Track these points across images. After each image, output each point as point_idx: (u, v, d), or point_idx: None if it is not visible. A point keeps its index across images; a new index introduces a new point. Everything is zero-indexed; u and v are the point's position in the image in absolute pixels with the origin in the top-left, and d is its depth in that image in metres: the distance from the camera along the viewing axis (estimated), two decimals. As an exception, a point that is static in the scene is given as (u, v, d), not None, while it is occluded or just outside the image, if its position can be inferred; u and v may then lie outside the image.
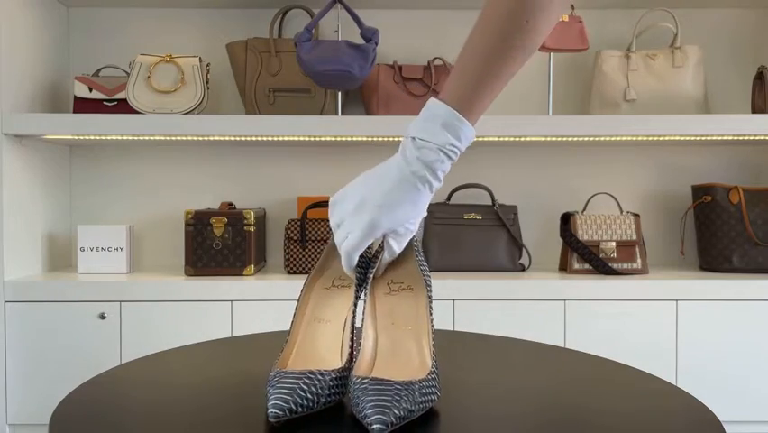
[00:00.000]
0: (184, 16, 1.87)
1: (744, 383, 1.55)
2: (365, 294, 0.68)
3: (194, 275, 1.62)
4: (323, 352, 0.66)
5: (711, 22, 1.87)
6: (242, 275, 1.63)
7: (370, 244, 0.66)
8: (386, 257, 0.67)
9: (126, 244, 1.69)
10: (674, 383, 1.38)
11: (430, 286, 0.68)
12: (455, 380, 0.69)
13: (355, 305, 0.68)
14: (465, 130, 0.66)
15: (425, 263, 0.70)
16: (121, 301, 1.54)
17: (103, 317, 1.53)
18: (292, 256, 1.69)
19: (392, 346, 0.65)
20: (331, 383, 0.60)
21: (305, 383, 0.59)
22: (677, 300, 1.55)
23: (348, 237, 0.66)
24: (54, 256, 1.79)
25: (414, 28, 1.87)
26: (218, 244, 1.63)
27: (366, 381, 0.58)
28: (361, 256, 0.68)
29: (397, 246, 0.67)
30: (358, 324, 0.67)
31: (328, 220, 1.79)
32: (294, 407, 0.57)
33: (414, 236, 0.69)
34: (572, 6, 1.67)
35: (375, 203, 0.65)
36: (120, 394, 0.64)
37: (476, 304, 1.53)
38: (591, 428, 0.56)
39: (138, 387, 0.67)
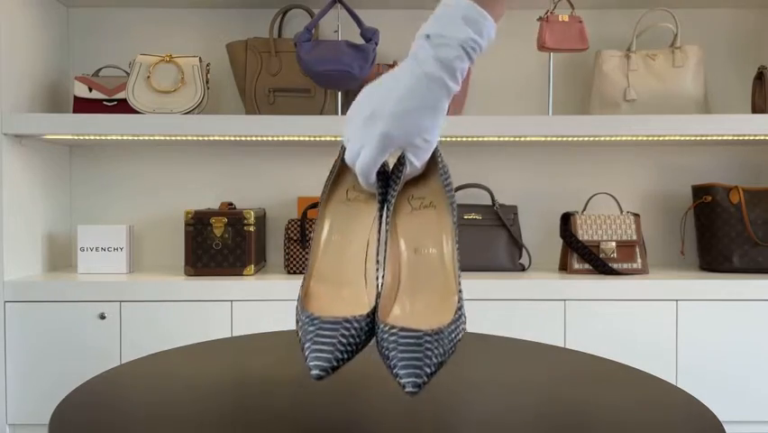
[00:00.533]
0: (184, 16, 1.87)
1: (744, 383, 1.55)
2: (387, 214, 0.62)
3: (194, 275, 1.62)
4: (348, 273, 0.61)
5: (711, 21, 1.87)
6: (241, 275, 1.63)
7: (386, 159, 0.60)
8: (408, 170, 0.61)
9: (126, 244, 1.69)
10: (674, 383, 1.38)
11: (455, 206, 0.62)
12: (455, 380, 0.69)
13: (380, 222, 0.63)
14: (488, 26, 0.59)
15: (450, 181, 0.64)
16: (121, 301, 1.53)
17: (103, 317, 1.53)
18: (292, 256, 1.69)
19: (416, 278, 0.60)
20: (366, 328, 0.58)
21: (342, 336, 0.56)
22: (677, 300, 1.55)
23: (361, 154, 0.59)
24: (54, 256, 1.79)
25: (413, 28, 1.86)
26: (218, 244, 1.63)
27: (395, 332, 0.55)
28: (380, 173, 0.61)
29: (417, 161, 0.60)
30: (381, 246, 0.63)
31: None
32: (336, 363, 0.55)
33: (437, 150, 0.62)
34: (572, 6, 1.67)
35: (387, 112, 0.58)
36: (120, 394, 0.64)
37: (476, 304, 1.53)
38: (591, 428, 0.56)
39: (138, 387, 0.67)
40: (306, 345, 0.56)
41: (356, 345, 0.57)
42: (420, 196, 0.63)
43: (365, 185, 0.61)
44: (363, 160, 0.59)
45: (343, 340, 0.56)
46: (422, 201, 0.63)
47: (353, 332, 0.57)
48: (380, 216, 0.63)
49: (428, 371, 0.53)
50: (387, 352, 0.55)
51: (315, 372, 0.54)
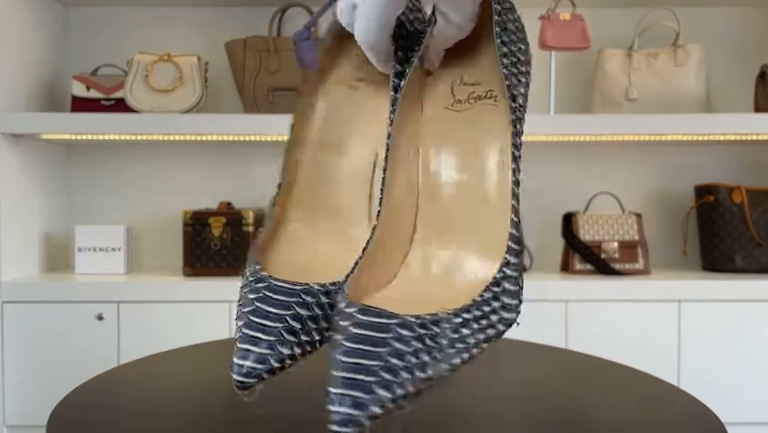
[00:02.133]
0: (182, 15, 1.86)
1: (746, 384, 1.54)
2: (395, 104, 0.37)
3: (192, 275, 1.61)
4: (342, 204, 0.39)
5: (714, 20, 1.87)
6: (240, 275, 1.62)
7: (401, 11, 0.38)
8: (439, 30, 0.38)
9: (124, 245, 1.68)
10: (676, 384, 1.37)
11: (519, 97, 0.37)
12: (454, 380, 0.68)
13: (391, 119, 0.38)
14: None
15: (519, 48, 0.38)
16: (119, 302, 1.52)
17: (100, 317, 1.52)
18: (291, 256, 1.68)
19: (437, 224, 0.37)
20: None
21: (295, 317, 0.35)
22: (679, 301, 1.54)
23: (358, 11, 0.38)
24: (52, 257, 1.78)
25: (414, 27, 1.85)
26: (217, 245, 1.62)
27: (351, 311, 0.33)
28: (403, 37, 0.38)
29: (453, 10, 0.37)
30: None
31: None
32: (276, 365, 0.35)
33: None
34: (574, 5, 1.66)
35: None
36: (118, 395, 0.63)
37: (477, 305, 1.52)
38: (592, 429, 0.55)
39: (136, 388, 0.66)
40: (238, 325, 0.36)
41: (319, 331, 0.36)
42: (471, 80, 0.39)
43: (376, 61, 0.40)
44: (363, 13, 0.38)
45: (296, 325, 0.36)
46: (473, 90, 0.39)
47: (316, 312, 0.36)
48: (392, 114, 0.38)
49: (383, 396, 0.30)
50: (332, 344, 0.33)
51: (235, 376, 0.35)
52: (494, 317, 0.35)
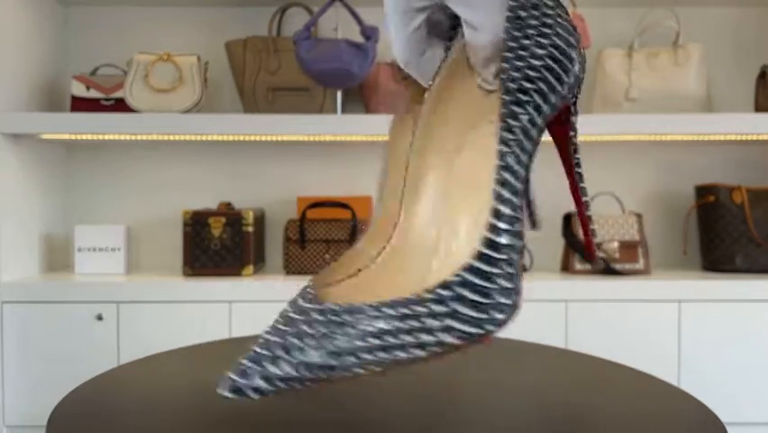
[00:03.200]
0: (182, 15, 1.85)
1: (746, 385, 1.54)
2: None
3: (192, 276, 1.61)
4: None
5: (714, 20, 1.86)
6: (240, 276, 1.62)
7: (418, 21, 0.38)
8: (471, 42, 0.37)
9: (124, 245, 1.68)
10: (676, 384, 1.37)
11: (521, 90, 0.35)
12: (453, 380, 0.68)
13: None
14: None
15: (548, 40, 0.36)
16: (118, 302, 1.52)
17: (100, 318, 1.52)
18: (291, 257, 1.67)
19: (421, 208, 0.36)
20: None
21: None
22: (679, 301, 1.54)
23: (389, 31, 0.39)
24: (51, 257, 1.78)
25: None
26: (216, 245, 1.62)
27: (300, 295, 0.34)
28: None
29: (470, 13, 0.36)
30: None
31: (328, 220, 1.76)
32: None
33: None
34: (574, 4, 1.66)
35: None
36: (118, 396, 0.63)
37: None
38: (592, 429, 0.55)
39: (136, 389, 0.66)
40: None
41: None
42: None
43: (418, 78, 0.40)
44: (392, 34, 0.38)
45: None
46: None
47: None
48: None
49: (271, 371, 0.31)
50: None
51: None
52: (433, 322, 0.31)
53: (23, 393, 1.53)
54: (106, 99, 1.65)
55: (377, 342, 0.31)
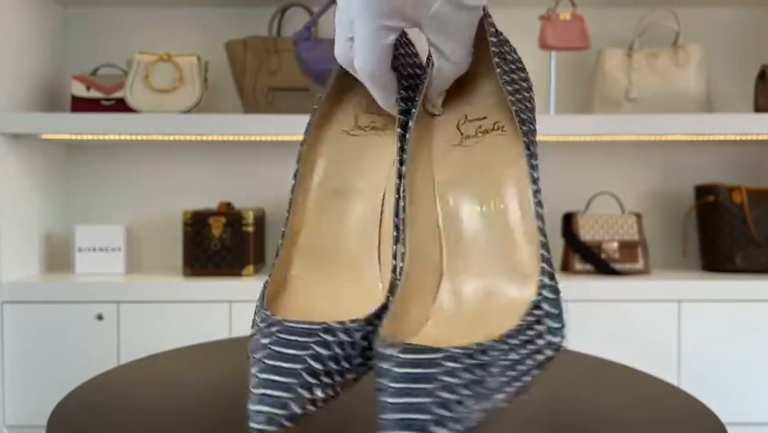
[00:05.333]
0: (182, 15, 1.85)
1: (746, 384, 1.54)
2: (404, 147, 0.37)
3: (192, 276, 1.61)
4: (352, 247, 0.38)
5: (714, 20, 1.86)
6: (240, 276, 1.62)
7: (390, 41, 0.36)
8: (437, 69, 0.37)
9: (124, 245, 1.68)
10: (676, 384, 1.37)
11: (528, 123, 0.37)
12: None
13: (400, 160, 0.38)
14: None
15: (520, 76, 0.39)
16: (118, 302, 1.52)
17: (100, 318, 1.52)
18: (291, 257, 1.67)
19: (463, 257, 0.36)
20: (363, 345, 0.34)
21: (315, 356, 0.33)
22: (679, 301, 1.54)
23: (355, 41, 0.37)
24: (51, 257, 1.78)
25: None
26: (216, 245, 1.62)
27: (392, 352, 0.31)
28: (408, 76, 0.39)
29: (445, 47, 0.36)
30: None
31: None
32: (298, 411, 0.32)
33: (487, 22, 0.38)
34: (574, 5, 1.66)
35: None
36: (118, 396, 0.63)
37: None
38: (592, 429, 0.55)
39: (136, 388, 0.66)
40: (253, 372, 0.34)
41: (341, 373, 0.34)
42: (477, 116, 0.39)
43: (379, 97, 0.39)
44: (358, 49, 0.37)
45: (316, 366, 0.33)
46: (480, 124, 0.39)
47: (336, 351, 0.34)
48: (402, 140, 0.38)
49: (441, 415, 0.28)
50: (378, 393, 0.31)
51: (254, 425, 0.31)
52: (540, 342, 0.33)
53: (23, 393, 1.53)
54: (106, 99, 1.65)
55: (513, 373, 0.32)
